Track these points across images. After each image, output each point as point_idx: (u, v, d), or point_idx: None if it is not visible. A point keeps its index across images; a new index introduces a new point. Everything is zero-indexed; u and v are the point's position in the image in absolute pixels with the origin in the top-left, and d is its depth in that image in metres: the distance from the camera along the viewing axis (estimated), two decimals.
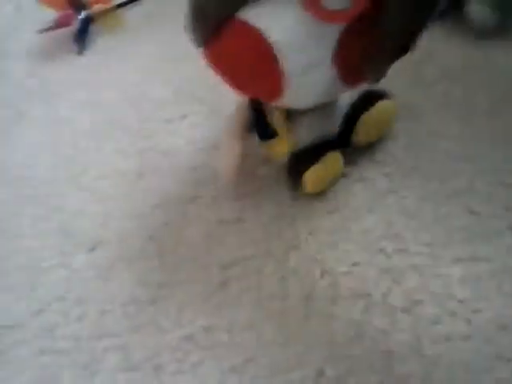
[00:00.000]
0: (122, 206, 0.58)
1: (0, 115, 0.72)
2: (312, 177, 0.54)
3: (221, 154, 0.56)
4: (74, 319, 0.51)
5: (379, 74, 0.47)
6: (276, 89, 0.47)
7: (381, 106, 0.56)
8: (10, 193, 0.62)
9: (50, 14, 0.79)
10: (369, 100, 0.55)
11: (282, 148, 0.54)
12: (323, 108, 0.53)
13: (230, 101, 0.66)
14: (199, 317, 0.49)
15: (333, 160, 0.54)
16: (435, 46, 0.64)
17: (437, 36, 0.65)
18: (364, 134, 0.56)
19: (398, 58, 0.46)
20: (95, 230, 0.57)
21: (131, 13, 0.82)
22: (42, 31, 0.78)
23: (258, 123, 0.53)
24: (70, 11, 0.78)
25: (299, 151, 0.54)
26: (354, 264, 0.50)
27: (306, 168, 0.53)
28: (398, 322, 0.46)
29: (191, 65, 0.71)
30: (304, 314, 0.47)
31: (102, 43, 0.78)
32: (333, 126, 0.55)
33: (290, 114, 0.54)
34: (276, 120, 0.53)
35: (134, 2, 0.82)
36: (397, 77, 0.50)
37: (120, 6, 0.81)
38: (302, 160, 0.54)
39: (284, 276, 0.50)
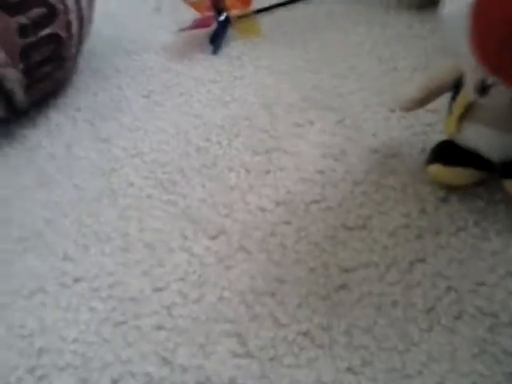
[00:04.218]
0: (247, 199, 0.60)
1: (136, 103, 0.76)
2: (434, 172, 0.54)
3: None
4: (193, 301, 0.53)
5: None
6: None
7: None
8: (144, 175, 0.65)
9: (189, 15, 0.84)
10: None
11: (450, 126, 0.54)
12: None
13: (358, 110, 0.67)
14: (317, 315, 0.49)
15: (466, 175, 0.54)
16: None
17: None
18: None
19: None
20: (219, 219, 0.59)
21: (266, 19, 0.85)
22: (181, 30, 0.83)
23: None
24: (210, 13, 0.82)
25: (454, 143, 0.54)
26: (481, 283, 0.49)
27: (439, 161, 0.54)
28: None
29: (320, 74, 0.74)
30: (427, 325, 0.46)
31: (236, 46, 0.82)
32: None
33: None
34: (457, 108, 0.52)
35: (271, 10, 0.86)
36: None
37: (257, 12, 0.85)
38: (445, 152, 0.55)
39: (408, 286, 0.49)
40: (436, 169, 0.55)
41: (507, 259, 0.49)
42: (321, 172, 0.61)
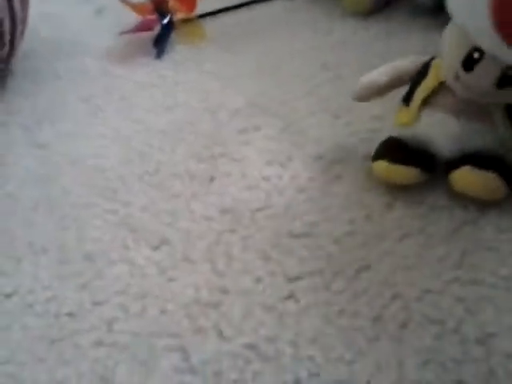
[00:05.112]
0: (191, 207, 0.58)
1: (76, 107, 0.73)
2: (379, 169, 0.55)
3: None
4: (134, 315, 0.50)
5: None
6: None
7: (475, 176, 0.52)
8: (83, 182, 0.62)
9: (132, 17, 0.81)
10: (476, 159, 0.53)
11: (404, 118, 0.54)
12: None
13: (302, 116, 0.67)
14: (263, 326, 0.47)
15: (409, 174, 0.54)
16: None
17: None
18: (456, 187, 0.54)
19: None
20: (162, 228, 0.57)
21: (211, 24, 0.83)
22: (123, 33, 0.80)
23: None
24: (153, 16, 0.80)
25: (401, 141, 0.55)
26: (427, 290, 0.48)
27: (385, 158, 0.54)
28: (470, 352, 0.44)
29: (265, 79, 0.73)
30: (374, 334, 0.46)
31: (180, 51, 0.80)
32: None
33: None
34: (421, 92, 0.53)
35: (215, 15, 0.84)
36: None
37: (201, 16, 0.83)
38: (392, 149, 0.55)
39: (354, 294, 0.49)
40: (382, 166, 0.55)
41: (452, 265, 0.50)
42: (266, 179, 0.60)
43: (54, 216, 0.58)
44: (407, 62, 0.56)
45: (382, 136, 0.60)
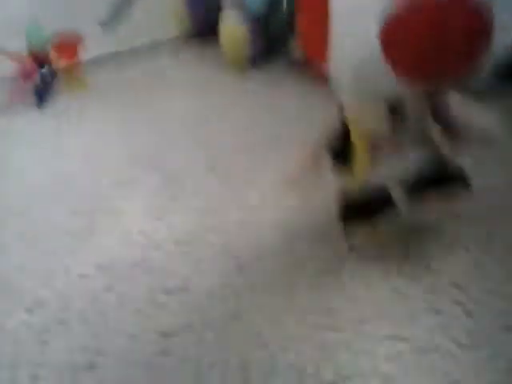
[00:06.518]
0: (67, 265, 0.58)
1: None
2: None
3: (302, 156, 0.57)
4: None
5: None
6: None
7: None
8: None
9: (12, 65, 0.81)
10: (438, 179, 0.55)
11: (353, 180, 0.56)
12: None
13: (184, 168, 0.69)
14: None
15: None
16: None
17: None
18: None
19: None
20: (37, 289, 0.56)
21: (94, 74, 0.84)
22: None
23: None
24: (32, 64, 0.79)
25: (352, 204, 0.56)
26: (291, 338, 0.51)
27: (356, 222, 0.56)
28: None
29: (147, 131, 0.74)
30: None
31: (62, 101, 0.80)
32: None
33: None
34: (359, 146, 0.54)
35: (98, 63, 0.85)
36: None
37: (81, 65, 0.84)
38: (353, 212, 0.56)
39: (224, 345, 0.51)
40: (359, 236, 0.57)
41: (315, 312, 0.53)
42: (143, 233, 0.61)
43: None
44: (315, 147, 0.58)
45: (256, 189, 0.64)
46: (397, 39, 0.47)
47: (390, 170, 0.56)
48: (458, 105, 0.51)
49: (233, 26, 0.78)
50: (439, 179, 0.55)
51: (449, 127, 0.53)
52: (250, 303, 0.54)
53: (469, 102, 0.51)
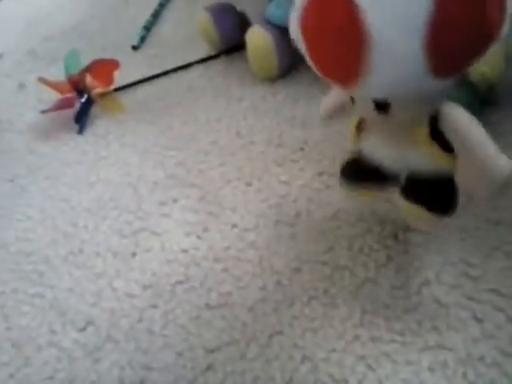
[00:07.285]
0: (114, 285, 0.61)
1: (1, 188, 0.76)
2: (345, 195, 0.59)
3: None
4: None
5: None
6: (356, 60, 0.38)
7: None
8: (9, 268, 0.64)
9: (54, 94, 0.84)
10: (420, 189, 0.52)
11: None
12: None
13: (218, 186, 0.71)
14: None
15: (371, 196, 0.58)
16: None
17: None
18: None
19: None
20: (86, 309, 0.59)
21: (130, 96, 0.87)
22: (45, 111, 0.83)
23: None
24: (72, 94, 0.83)
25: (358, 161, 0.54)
26: (332, 350, 0.53)
27: (347, 183, 0.57)
28: None
29: (183, 150, 0.77)
30: None
31: (101, 125, 0.83)
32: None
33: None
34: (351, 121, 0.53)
35: (133, 87, 0.88)
36: None
37: (118, 89, 0.87)
38: (350, 172, 0.57)
39: (267, 360, 0.52)
40: (346, 191, 0.58)
41: (353, 325, 0.54)
42: (184, 251, 0.63)
43: None
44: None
45: (291, 200, 0.65)
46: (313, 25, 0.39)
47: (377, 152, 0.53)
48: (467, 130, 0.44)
49: (260, 39, 0.79)
50: (429, 184, 0.51)
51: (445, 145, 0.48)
52: (290, 317, 0.55)
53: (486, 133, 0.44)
